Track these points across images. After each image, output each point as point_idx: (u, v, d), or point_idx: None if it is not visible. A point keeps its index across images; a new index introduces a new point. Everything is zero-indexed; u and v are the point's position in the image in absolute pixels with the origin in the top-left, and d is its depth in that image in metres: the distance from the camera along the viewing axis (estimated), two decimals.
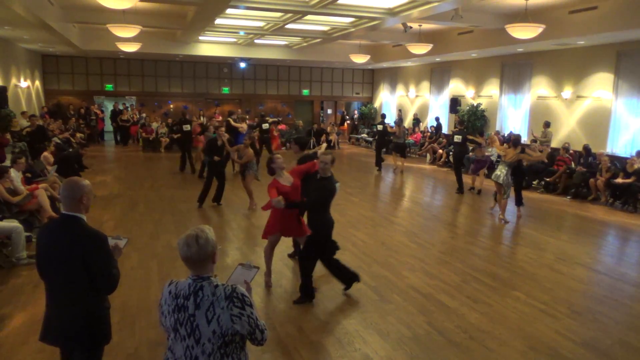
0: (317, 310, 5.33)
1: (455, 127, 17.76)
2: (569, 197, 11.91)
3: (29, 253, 6.54)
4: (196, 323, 2.28)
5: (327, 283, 6.10)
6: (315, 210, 5.46)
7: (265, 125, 15.82)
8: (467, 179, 12.82)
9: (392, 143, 16.04)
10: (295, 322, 5.04)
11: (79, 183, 3.00)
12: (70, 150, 10.45)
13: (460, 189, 12.21)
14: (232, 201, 10.36)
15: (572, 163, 12.61)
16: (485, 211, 10.42)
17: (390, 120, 23.34)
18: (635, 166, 10.89)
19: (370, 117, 25.01)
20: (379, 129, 16.49)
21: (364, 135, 23.60)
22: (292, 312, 5.27)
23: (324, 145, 11.55)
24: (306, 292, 5.51)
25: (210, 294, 2.29)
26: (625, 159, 11.52)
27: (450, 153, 15.13)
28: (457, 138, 12.50)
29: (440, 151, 17.32)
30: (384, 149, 16.82)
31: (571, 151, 13.05)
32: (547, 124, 14.40)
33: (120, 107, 21.38)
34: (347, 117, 26.00)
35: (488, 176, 11.43)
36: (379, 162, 15.98)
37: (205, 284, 2.32)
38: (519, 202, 9.67)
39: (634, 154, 11.73)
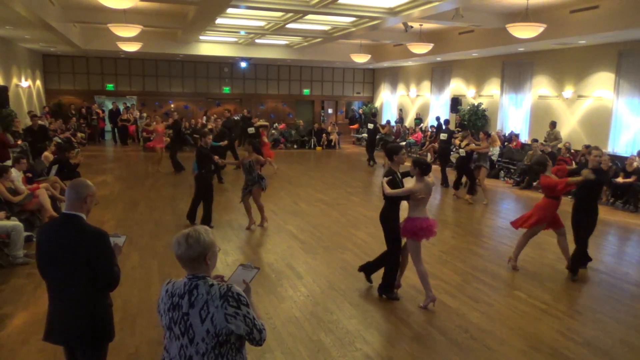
0: (318, 310, 5.33)
1: (456, 127, 17.85)
2: (570, 197, 11.87)
3: (28, 252, 6.54)
4: (190, 322, 2.27)
5: (326, 282, 6.11)
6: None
7: (250, 130, 15.34)
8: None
9: (382, 141, 16.24)
10: (295, 321, 5.05)
11: (85, 183, 3.05)
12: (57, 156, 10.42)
13: (445, 183, 13.00)
14: (233, 201, 10.35)
15: (573, 163, 12.58)
16: (486, 211, 10.41)
17: (391, 119, 23.37)
18: (635, 164, 10.88)
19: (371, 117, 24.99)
20: (369, 127, 16.65)
21: (365, 135, 23.60)
22: (293, 312, 5.28)
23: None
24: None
25: (205, 292, 2.28)
26: (626, 158, 11.51)
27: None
28: (443, 136, 13.17)
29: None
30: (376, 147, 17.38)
31: (572, 151, 13.03)
32: (553, 124, 14.30)
33: (121, 106, 21.38)
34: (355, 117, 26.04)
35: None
36: (371, 159, 16.59)
37: (201, 282, 2.31)
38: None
39: (634, 153, 11.72)
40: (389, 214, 5.68)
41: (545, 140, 14.09)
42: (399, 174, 5.66)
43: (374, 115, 17.85)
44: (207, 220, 8.35)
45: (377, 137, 19.55)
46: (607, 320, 5.25)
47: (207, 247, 2.34)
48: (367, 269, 6.08)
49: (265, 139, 14.82)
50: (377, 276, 5.93)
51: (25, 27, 12.67)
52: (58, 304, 3.00)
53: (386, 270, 5.76)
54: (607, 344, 4.72)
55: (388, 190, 5.46)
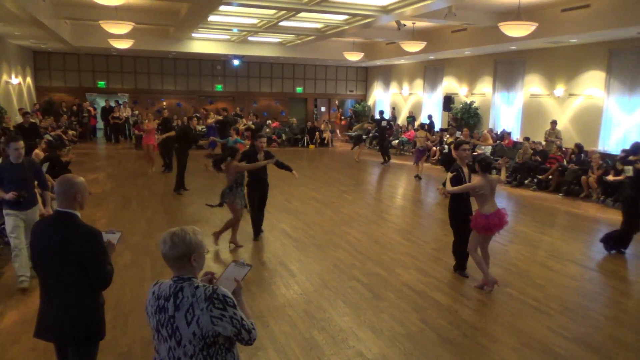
0: (311, 308, 5.33)
1: (448, 125, 17.91)
2: (561, 194, 11.98)
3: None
4: (176, 325, 2.25)
5: (319, 280, 6.11)
6: None
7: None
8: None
9: (376, 138, 16.58)
10: (288, 319, 5.05)
11: (72, 180, 3.01)
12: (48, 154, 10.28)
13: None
14: None
15: (565, 161, 12.68)
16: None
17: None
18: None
19: (363, 115, 25.01)
20: (383, 125, 16.79)
21: (358, 133, 23.59)
22: (286, 310, 5.28)
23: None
24: None
25: (190, 295, 2.25)
26: (616, 156, 11.60)
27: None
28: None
29: (434, 149, 17.34)
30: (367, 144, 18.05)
31: (564, 149, 13.12)
32: (554, 123, 14.22)
33: (112, 104, 21.25)
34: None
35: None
36: (387, 156, 16.62)
37: (186, 285, 2.28)
38: None
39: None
40: (451, 206, 6.18)
41: (545, 139, 14.06)
42: (463, 170, 5.85)
43: (381, 113, 18.07)
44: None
45: (371, 135, 19.63)
46: (598, 317, 5.30)
47: (192, 247, 2.29)
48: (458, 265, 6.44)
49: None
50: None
51: (16, 23, 12.55)
52: (50, 301, 2.99)
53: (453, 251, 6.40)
54: (598, 341, 4.77)
55: (449, 187, 5.80)
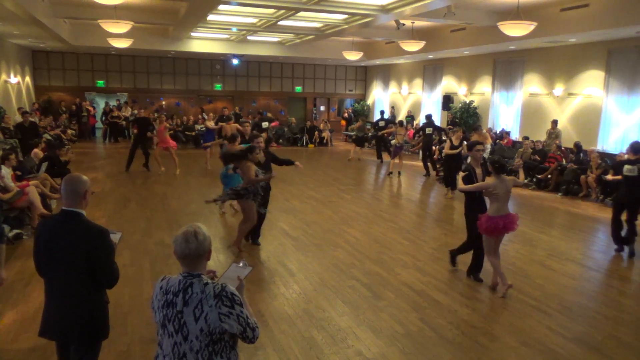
0: (310, 307, 5.34)
1: (447, 125, 17.91)
2: (560, 193, 11.99)
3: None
4: (184, 320, 2.28)
5: (318, 279, 6.12)
6: None
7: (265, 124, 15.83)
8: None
9: (374, 137, 16.72)
10: (288, 318, 5.05)
11: (81, 178, 3.04)
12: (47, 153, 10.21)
13: (427, 174, 14.28)
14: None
15: (564, 160, 12.69)
16: None
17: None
18: None
19: (362, 114, 24.98)
20: (428, 132, 15.66)
21: (354, 133, 23.54)
22: (285, 309, 5.28)
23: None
24: None
25: (200, 291, 2.29)
26: (615, 155, 11.61)
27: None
28: (429, 130, 14.23)
29: (433, 148, 17.31)
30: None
31: (563, 148, 13.13)
32: (555, 123, 14.18)
33: (114, 103, 21.23)
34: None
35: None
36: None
37: (195, 281, 2.32)
38: None
39: (623, 150, 11.82)
40: (468, 210, 5.94)
41: (546, 139, 14.05)
42: (475, 170, 5.77)
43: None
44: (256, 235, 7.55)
45: (370, 135, 19.51)
46: (597, 316, 5.31)
47: (210, 242, 2.40)
48: (453, 253, 6.52)
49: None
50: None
51: (14, 22, 12.54)
52: (56, 300, 3.00)
53: (473, 254, 6.16)
54: (596, 340, 4.78)
55: (460, 185, 5.69)
